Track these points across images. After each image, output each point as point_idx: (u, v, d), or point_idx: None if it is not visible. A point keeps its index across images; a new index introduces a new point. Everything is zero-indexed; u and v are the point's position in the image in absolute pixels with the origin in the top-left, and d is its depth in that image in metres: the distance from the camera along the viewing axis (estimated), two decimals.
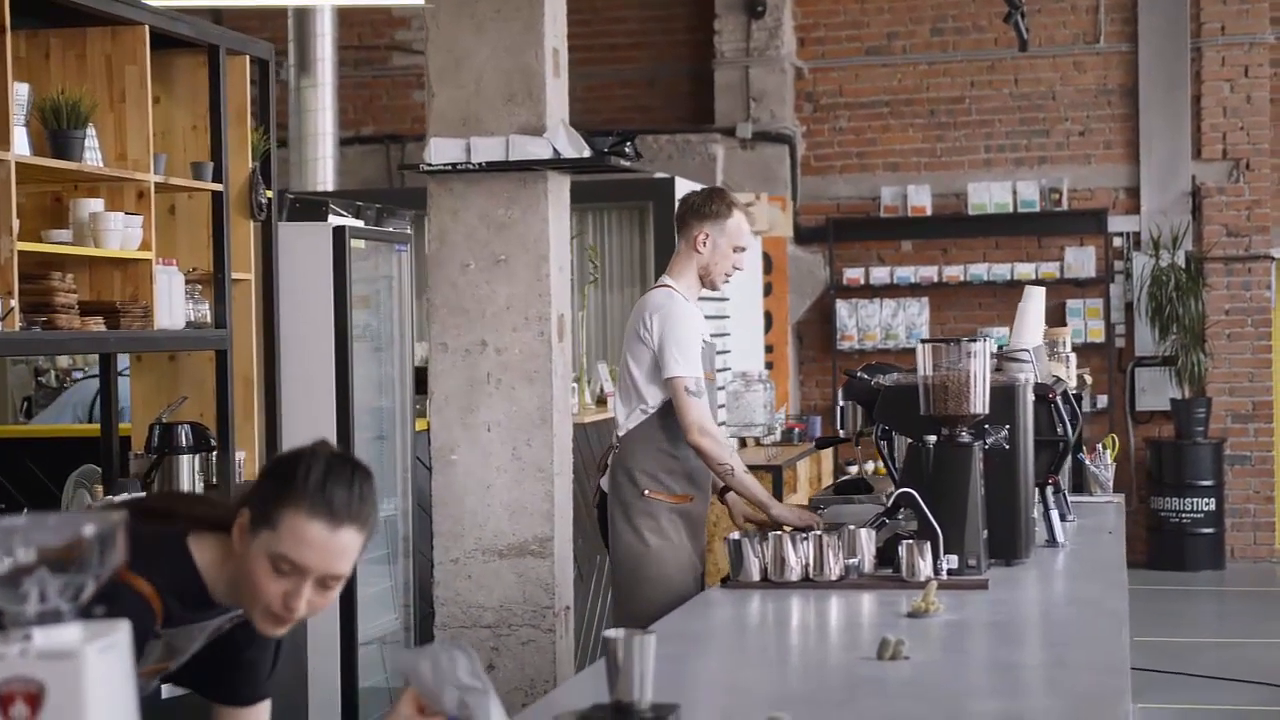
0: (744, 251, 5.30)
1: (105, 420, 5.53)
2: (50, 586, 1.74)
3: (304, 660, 5.66)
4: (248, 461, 5.77)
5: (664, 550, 5.13)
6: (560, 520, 5.63)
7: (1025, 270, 12.41)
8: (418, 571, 6.71)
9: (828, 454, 10.77)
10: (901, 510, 4.39)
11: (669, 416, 5.12)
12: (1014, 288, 11.56)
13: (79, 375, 8.39)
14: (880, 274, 12.71)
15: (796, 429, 10.51)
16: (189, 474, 5.32)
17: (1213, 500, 12.08)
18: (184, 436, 5.34)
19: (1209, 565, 12.07)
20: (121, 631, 1.76)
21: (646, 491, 5.15)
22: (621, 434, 5.25)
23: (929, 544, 4.15)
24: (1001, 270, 12.49)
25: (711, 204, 5.25)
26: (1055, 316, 12.21)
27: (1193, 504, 12.06)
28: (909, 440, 4.49)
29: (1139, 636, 9.22)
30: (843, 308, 12.76)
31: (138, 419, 5.65)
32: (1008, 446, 4.46)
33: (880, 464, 5.77)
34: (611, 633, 2.69)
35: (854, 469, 10.35)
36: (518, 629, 5.60)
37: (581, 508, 6.25)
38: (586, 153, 5.52)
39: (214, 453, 5.51)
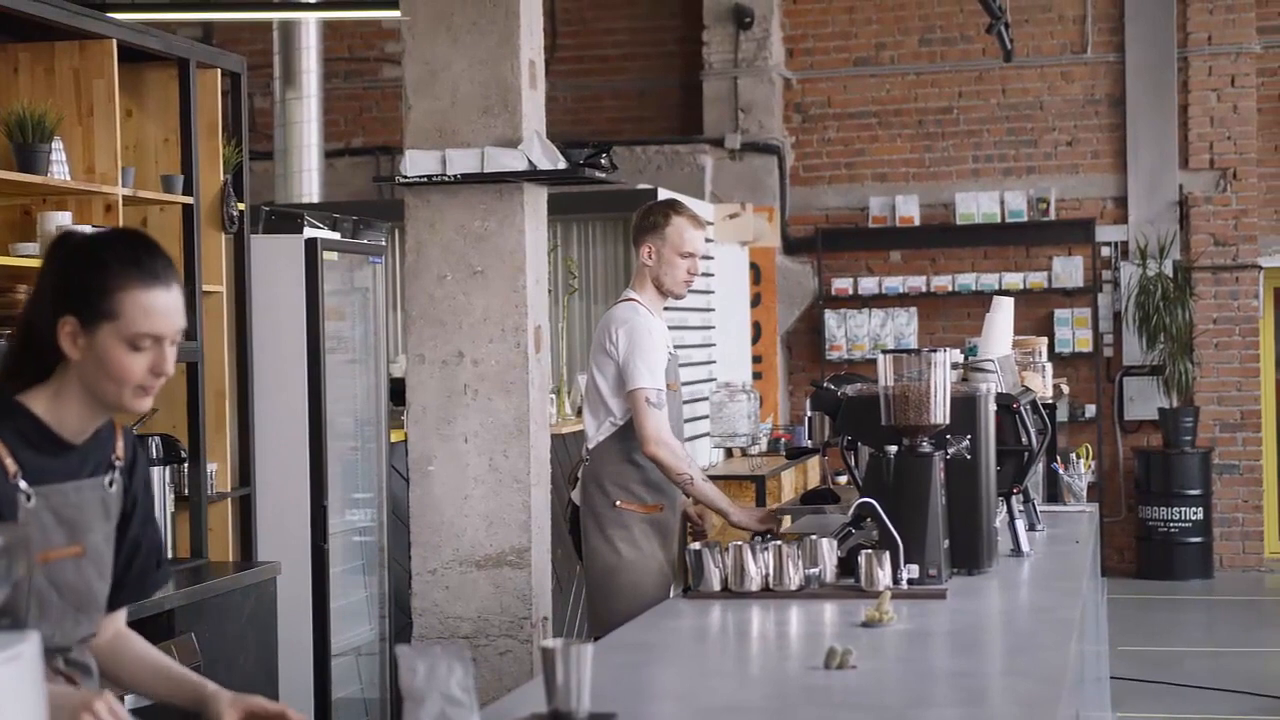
0: (693, 258, 5.34)
1: None
2: None
3: (275, 670, 5.67)
4: (219, 474, 5.78)
5: (637, 560, 5.20)
6: (537, 531, 5.64)
7: (1013, 280, 12.42)
8: (394, 582, 6.72)
9: (814, 464, 10.78)
10: (866, 520, 4.39)
11: None
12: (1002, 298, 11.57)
13: None
14: (869, 284, 12.73)
15: (783, 439, 10.52)
16: (160, 485, 5.33)
17: (1201, 509, 12.09)
18: (155, 448, 5.35)
19: (1197, 574, 12.08)
20: (29, 643, 1.78)
21: (618, 503, 5.23)
22: (591, 446, 5.33)
23: (889, 554, 4.16)
24: (990, 280, 12.50)
25: (649, 216, 5.36)
26: (1043, 326, 12.24)
27: (1181, 513, 12.06)
28: (871, 450, 4.50)
29: (1125, 646, 9.23)
30: (831, 318, 12.77)
31: None
32: (969, 456, 4.47)
33: None
34: (548, 643, 2.72)
35: (844, 479, 10.36)
36: (495, 639, 5.61)
37: (560, 518, 6.27)
38: (561, 164, 5.53)
39: (185, 464, 5.52)
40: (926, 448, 4.34)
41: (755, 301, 12.20)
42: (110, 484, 2.80)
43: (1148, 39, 12.45)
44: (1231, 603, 11.52)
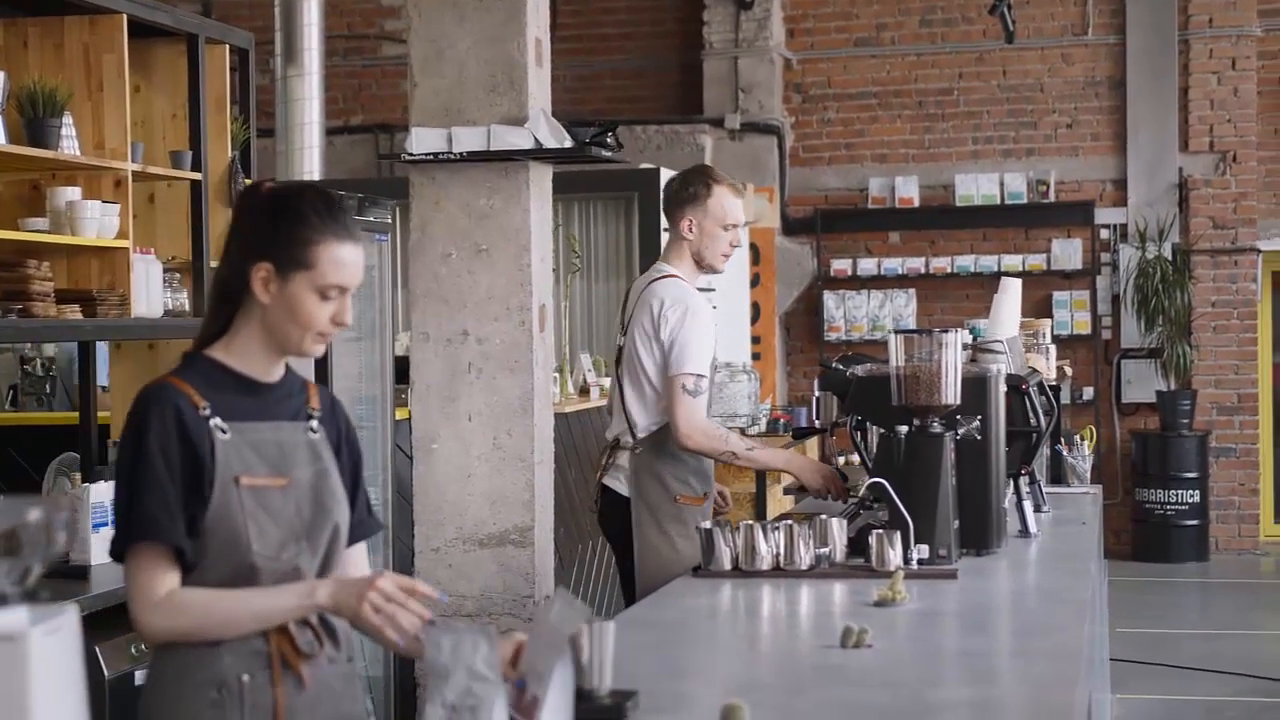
0: (735, 229, 5.12)
1: (84, 408, 5.53)
2: None
3: None
4: None
5: (691, 553, 4.99)
6: (541, 510, 5.64)
7: (1012, 262, 12.43)
8: (398, 560, 6.72)
9: (813, 445, 10.79)
10: (875, 500, 4.40)
11: None
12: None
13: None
14: (868, 265, 12.74)
15: (783, 419, 10.52)
16: None
17: (1197, 492, 12.12)
18: None
19: (1193, 557, 12.11)
20: (69, 615, 1.78)
21: (678, 497, 5.06)
22: (642, 435, 5.10)
23: (899, 534, 4.17)
24: (988, 262, 12.51)
25: (689, 187, 5.12)
26: (1042, 308, 12.25)
27: (1177, 496, 12.09)
28: (881, 431, 4.51)
29: (1122, 628, 9.25)
30: (830, 299, 12.78)
31: (117, 407, 5.67)
32: (979, 437, 4.47)
33: None
34: None
35: (843, 460, 10.37)
36: (498, 618, 5.61)
37: (563, 497, 6.27)
38: (568, 143, 5.51)
39: None
40: (937, 428, 4.35)
41: (754, 282, 12.20)
42: (312, 430, 2.91)
43: (1149, 21, 12.45)
44: (1227, 585, 11.55)
